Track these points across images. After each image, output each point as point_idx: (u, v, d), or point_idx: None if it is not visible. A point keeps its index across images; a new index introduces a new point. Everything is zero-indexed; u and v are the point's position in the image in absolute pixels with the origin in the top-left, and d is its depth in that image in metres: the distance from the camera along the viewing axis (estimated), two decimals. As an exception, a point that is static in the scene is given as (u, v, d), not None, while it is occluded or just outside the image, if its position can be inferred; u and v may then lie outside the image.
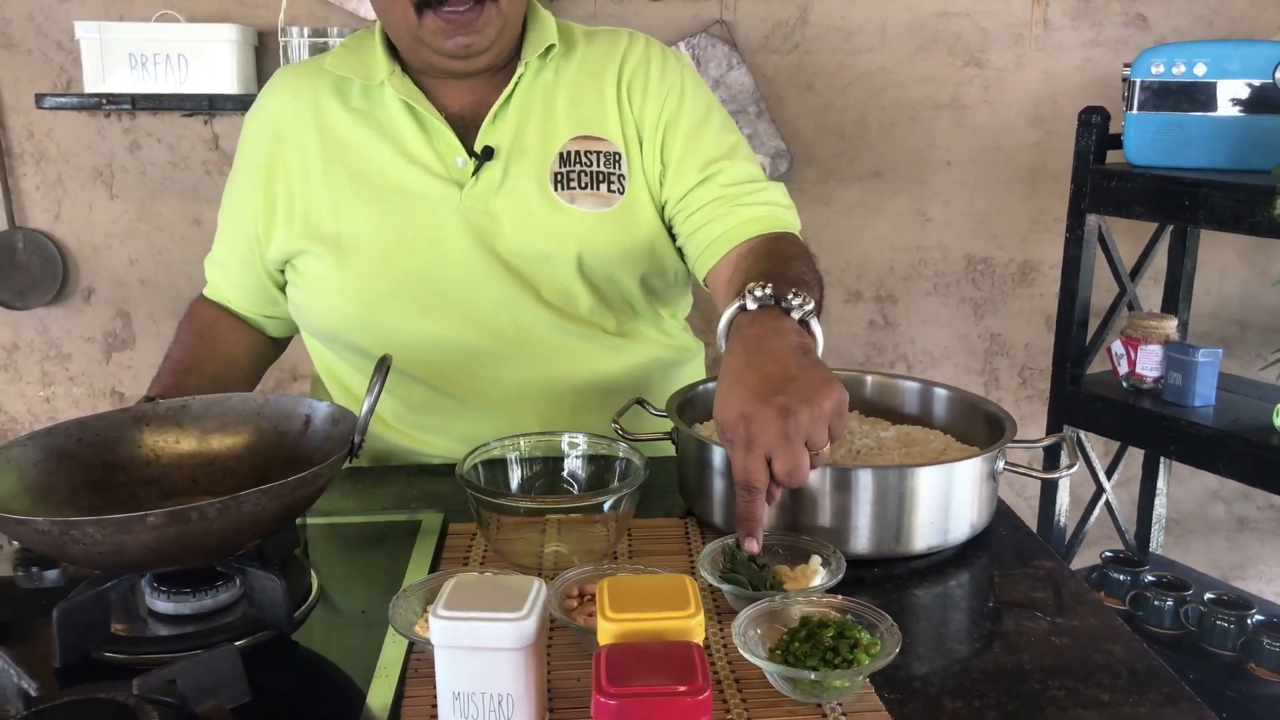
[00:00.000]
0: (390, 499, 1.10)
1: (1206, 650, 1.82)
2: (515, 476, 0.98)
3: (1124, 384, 1.92)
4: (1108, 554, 2.02)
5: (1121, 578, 1.96)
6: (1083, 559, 2.17)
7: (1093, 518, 2.11)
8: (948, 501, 0.94)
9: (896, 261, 2.29)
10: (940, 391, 1.13)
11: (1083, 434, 2.00)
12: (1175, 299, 2.08)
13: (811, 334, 0.92)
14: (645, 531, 1.01)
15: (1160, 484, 2.15)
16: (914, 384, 1.15)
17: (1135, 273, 2.03)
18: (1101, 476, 2.10)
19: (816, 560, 0.87)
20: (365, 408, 0.87)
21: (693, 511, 1.03)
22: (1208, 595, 1.85)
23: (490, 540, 0.93)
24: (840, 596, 0.80)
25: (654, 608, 0.68)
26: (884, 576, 0.93)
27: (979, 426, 1.07)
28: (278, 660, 0.81)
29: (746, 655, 0.73)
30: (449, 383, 1.20)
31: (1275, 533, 2.44)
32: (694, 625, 0.67)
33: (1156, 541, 2.19)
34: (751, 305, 0.92)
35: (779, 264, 1.04)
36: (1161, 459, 2.14)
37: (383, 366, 0.89)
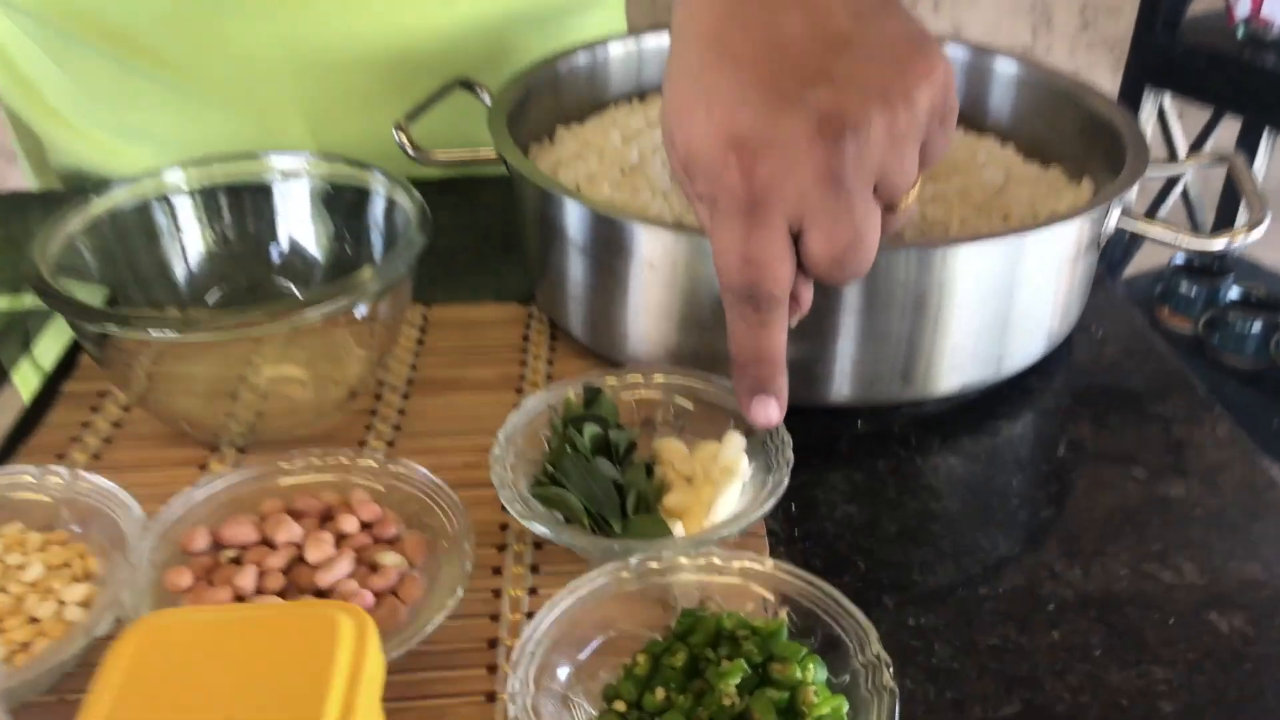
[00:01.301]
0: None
1: (1298, 391, 1.42)
2: (178, 252, 0.51)
3: (1239, 32, 1.38)
4: (1178, 261, 1.57)
5: (1194, 292, 1.52)
6: (1140, 264, 1.72)
7: (1164, 208, 1.64)
8: (1009, 304, 0.48)
9: None
10: (1003, 66, 0.63)
11: (1168, 98, 1.49)
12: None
13: None
14: (457, 329, 0.56)
15: (1260, 162, 1.65)
16: (959, 49, 0.64)
17: None
18: (1181, 153, 1.61)
19: (736, 442, 0.43)
20: None
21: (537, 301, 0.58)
22: (1308, 318, 1.43)
23: (130, 389, 0.48)
24: (773, 563, 0.37)
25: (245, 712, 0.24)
26: (875, 439, 0.49)
27: (1065, 130, 0.59)
28: None
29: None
30: (149, 54, 0.69)
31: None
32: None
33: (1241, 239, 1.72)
34: None
35: None
36: (1265, 133, 1.63)
37: None
